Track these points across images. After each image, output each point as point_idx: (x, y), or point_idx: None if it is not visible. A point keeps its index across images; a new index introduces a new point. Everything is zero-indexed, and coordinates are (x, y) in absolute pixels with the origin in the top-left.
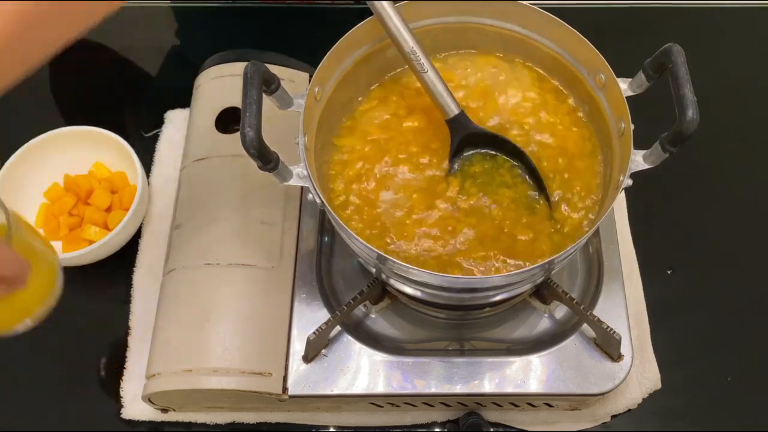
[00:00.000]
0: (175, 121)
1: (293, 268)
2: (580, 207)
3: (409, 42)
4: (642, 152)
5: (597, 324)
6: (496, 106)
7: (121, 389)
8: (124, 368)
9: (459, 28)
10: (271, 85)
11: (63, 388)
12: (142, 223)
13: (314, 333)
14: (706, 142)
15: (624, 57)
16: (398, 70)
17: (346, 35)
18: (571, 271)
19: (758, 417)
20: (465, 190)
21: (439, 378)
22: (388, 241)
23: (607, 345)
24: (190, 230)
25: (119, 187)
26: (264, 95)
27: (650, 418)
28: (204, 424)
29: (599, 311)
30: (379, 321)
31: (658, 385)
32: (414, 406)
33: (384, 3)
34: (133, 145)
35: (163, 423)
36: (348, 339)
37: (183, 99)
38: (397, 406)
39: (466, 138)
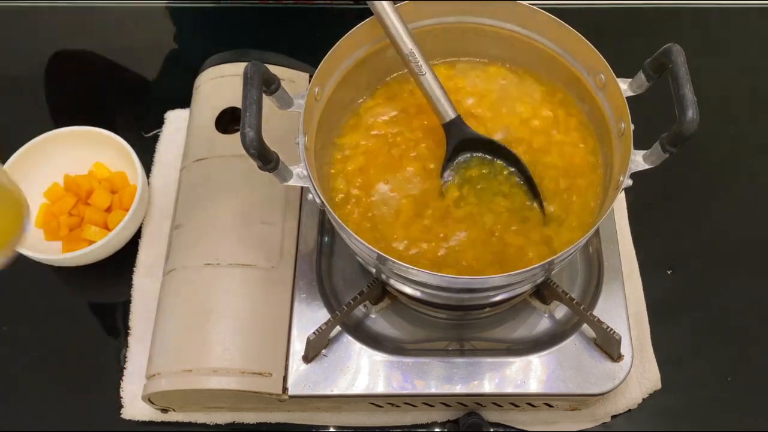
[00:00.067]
0: (175, 121)
1: (293, 268)
2: (574, 226)
3: (407, 44)
4: (642, 152)
5: (597, 324)
6: (504, 119)
7: (121, 389)
8: (124, 368)
9: (459, 28)
10: (271, 85)
11: (63, 388)
12: (142, 223)
13: (314, 333)
14: (706, 142)
15: (624, 57)
16: (402, 72)
17: (346, 35)
18: (571, 271)
19: (758, 417)
20: (463, 198)
21: (439, 378)
22: (379, 236)
23: (607, 345)
24: (190, 230)
25: (119, 187)
26: (264, 95)
27: (650, 418)
28: (204, 424)
29: (599, 311)
30: (379, 321)
31: (658, 385)
32: (414, 406)
33: (384, 3)
34: (133, 145)
35: (163, 423)
36: (348, 339)
37: (183, 99)
38: (397, 406)
39: (462, 143)
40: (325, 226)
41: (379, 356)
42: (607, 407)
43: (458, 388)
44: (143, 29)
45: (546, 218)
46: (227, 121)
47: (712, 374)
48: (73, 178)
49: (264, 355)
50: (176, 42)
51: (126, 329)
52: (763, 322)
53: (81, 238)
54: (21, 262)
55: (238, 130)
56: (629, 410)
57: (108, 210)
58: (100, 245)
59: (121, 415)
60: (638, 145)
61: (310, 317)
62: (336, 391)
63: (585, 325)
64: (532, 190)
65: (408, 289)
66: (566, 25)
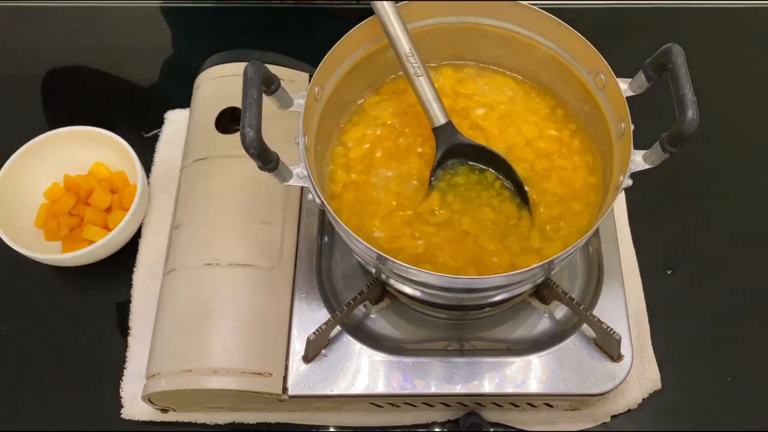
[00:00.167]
0: (175, 121)
1: (293, 268)
2: (559, 244)
3: (405, 45)
4: (642, 152)
5: (597, 324)
6: (509, 137)
7: (121, 389)
8: (124, 368)
9: (459, 28)
10: (271, 85)
11: (63, 388)
12: (142, 223)
13: (314, 333)
14: (706, 142)
15: (624, 57)
16: (400, 73)
17: (346, 35)
18: (571, 271)
19: (758, 417)
20: (446, 204)
21: (439, 378)
22: (361, 225)
23: (607, 345)
24: (190, 230)
25: (119, 187)
26: (264, 95)
27: (650, 418)
28: (204, 424)
29: (599, 311)
30: (379, 321)
31: (658, 385)
32: (414, 406)
33: (385, 3)
34: (133, 145)
35: (163, 423)
36: (348, 339)
37: (183, 99)
38: (397, 406)
39: (452, 149)
40: (325, 226)
41: (379, 356)
42: (607, 407)
43: (458, 388)
44: (143, 29)
45: (533, 229)
46: (227, 121)
47: (712, 374)
48: (73, 178)
49: (264, 355)
50: (173, 44)
51: (126, 329)
52: (763, 322)
53: (81, 238)
54: (21, 262)
55: (238, 130)
56: (629, 410)
57: (108, 210)
58: (100, 245)
59: (121, 415)
60: (638, 145)
61: (310, 317)
62: (336, 391)
63: (585, 325)
64: (522, 196)
65: (408, 289)
66: (566, 25)
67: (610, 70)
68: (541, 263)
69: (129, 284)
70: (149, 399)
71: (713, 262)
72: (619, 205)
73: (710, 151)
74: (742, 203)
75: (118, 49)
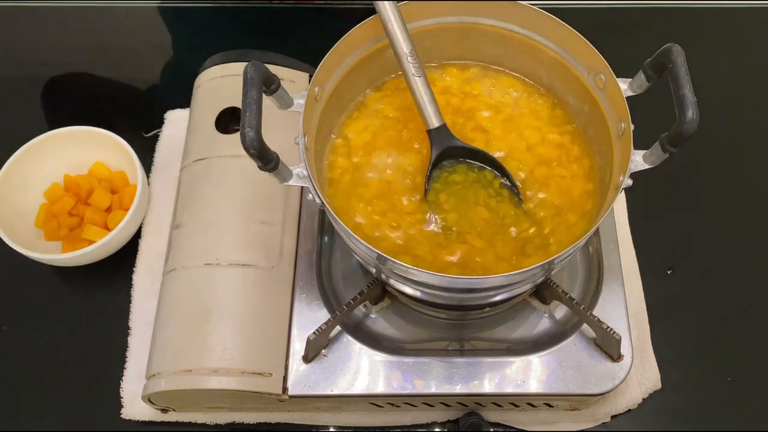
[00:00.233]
0: (175, 121)
1: (293, 268)
2: (552, 250)
3: (404, 45)
4: (642, 152)
5: (597, 324)
6: (511, 142)
7: (121, 389)
8: (124, 368)
9: (459, 28)
10: (271, 85)
11: (63, 388)
12: (142, 223)
13: (314, 333)
14: (706, 142)
15: (624, 57)
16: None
17: (346, 35)
18: (571, 271)
19: (758, 417)
20: (439, 205)
21: (439, 378)
22: (346, 207)
23: (607, 345)
24: (190, 230)
25: (119, 187)
26: (264, 95)
27: (650, 418)
28: (204, 424)
29: (599, 311)
30: (379, 321)
31: (658, 385)
32: (414, 406)
33: (387, 3)
34: (133, 145)
35: (163, 423)
36: (348, 339)
37: (183, 99)
38: (397, 406)
39: (447, 150)
40: (325, 226)
41: (379, 356)
42: (607, 407)
43: (458, 388)
44: (143, 29)
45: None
46: (227, 121)
47: (712, 374)
48: (73, 178)
49: (264, 355)
50: (173, 45)
51: (126, 329)
52: (763, 322)
53: (81, 238)
54: (21, 262)
55: (238, 130)
56: (629, 410)
57: (108, 210)
58: (100, 245)
59: (121, 415)
60: (638, 145)
61: (310, 317)
62: (336, 391)
63: (585, 325)
64: (514, 189)
65: (408, 289)
66: (566, 25)
67: (610, 70)
68: (541, 263)
69: (129, 284)
70: (149, 399)
71: (713, 262)
72: (619, 205)
73: (710, 151)
74: (742, 203)
75: (118, 49)
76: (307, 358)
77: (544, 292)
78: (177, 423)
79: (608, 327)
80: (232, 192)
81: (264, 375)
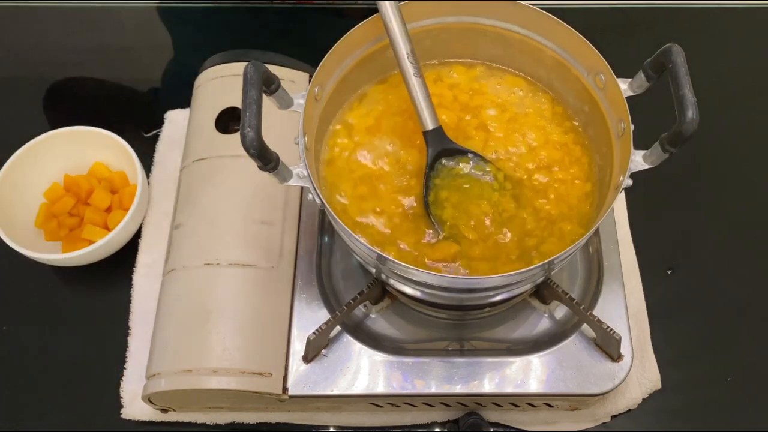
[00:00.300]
0: (175, 121)
1: (293, 268)
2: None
3: (405, 45)
4: (642, 152)
5: (597, 324)
6: (512, 143)
7: (121, 389)
8: (124, 368)
9: (459, 28)
10: (271, 85)
11: (63, 388)
12: (142, 223)
13: (314, 333)
14: (706, 142)
15: (624, 57)
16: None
17: (346, 35)
18: (571, 271)
19: (758, 417)
20: (438, 203)
21: (439, 378)
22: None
23: (607, 345)
24: (190, 230)
25: (119, 187)
26: (264, 95)
27: (650, 418)
28: (204, 424)
29: (599, 311)
30: (379, 321)
31: (658, 385)
32: (414, 406)
33: (388, 3)
34: (133, 145)
35: (163, 423)
36: (348, 339)
37: (183, 99)
38: (397, 406)
39: (443, 152)
40: (325, 226)
41: (379, 356)
42: (607, 407)
43: (458, 388)
44: (144, 29)
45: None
46: (227, 121)
47: (712, 374)
48: (73, 178)
49: (264, 355)
50: (173, 45)
51: (126, 329)
52: (763, 322)
53: (81, 238)
54: (21, 262)
55: (238, 130)
56: (629, 410)
57: (108, 210)
58: (100, 245)
59: (121, 415)
60: (638, 145)
61: (310, 317)
62: (336, 391)
63: (585, 325)
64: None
65: (408, 289)
66: (566, 25)
67: (610, 70)
68: (541, 263)
69: (129, 284)
70: (149, 399)
71: (713, 262)
72: (619, 205)
73: (710, 151)
74: (742, 203)
75: (118, 49)
76: (307, 358)
77: (544, 292)
78: (177, 423)
79: (608, 327)
80: (232, 192)
81: (264, 375)
